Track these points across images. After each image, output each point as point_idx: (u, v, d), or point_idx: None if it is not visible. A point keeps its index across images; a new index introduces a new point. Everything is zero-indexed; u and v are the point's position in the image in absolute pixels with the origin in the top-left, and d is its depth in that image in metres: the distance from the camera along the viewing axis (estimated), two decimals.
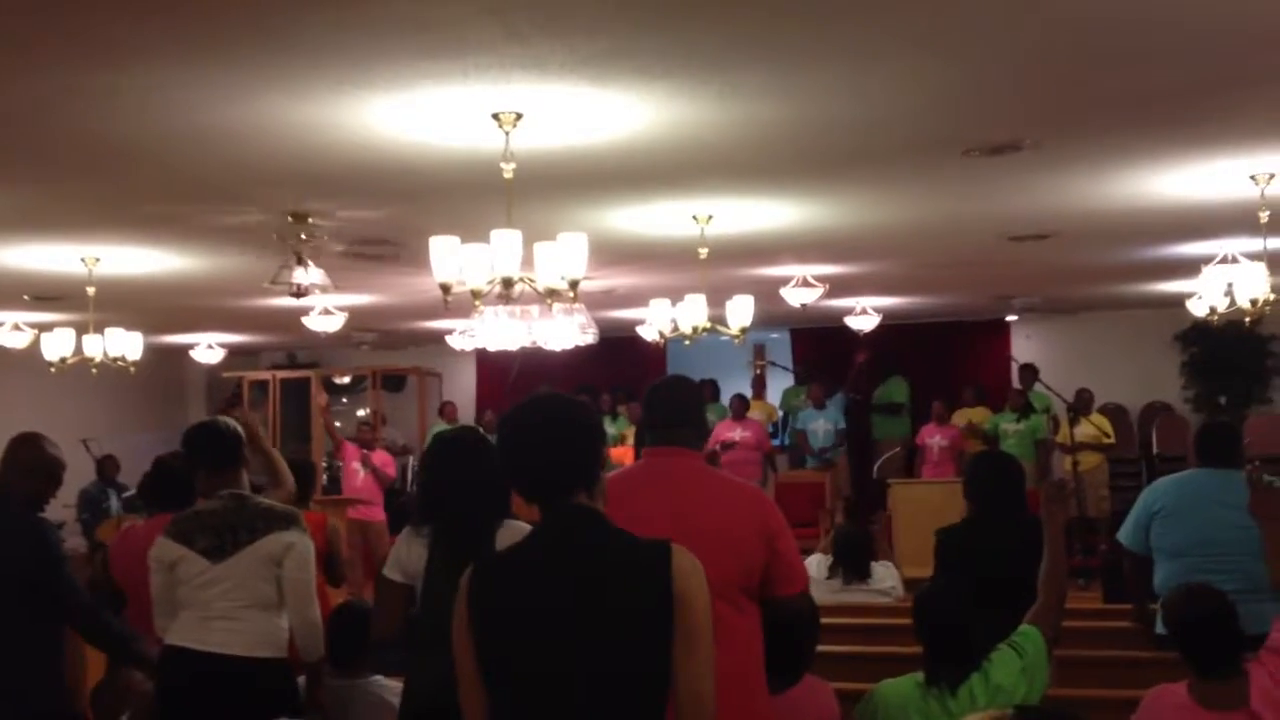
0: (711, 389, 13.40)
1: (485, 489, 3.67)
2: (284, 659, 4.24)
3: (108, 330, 9.24)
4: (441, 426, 12.94)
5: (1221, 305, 7.40)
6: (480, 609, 2.41)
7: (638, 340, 9.72)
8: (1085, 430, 11.39)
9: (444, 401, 14.26)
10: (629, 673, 2.34)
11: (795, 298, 9.31)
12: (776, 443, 13.65)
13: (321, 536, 5.66)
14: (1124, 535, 5.22)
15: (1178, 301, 10.23)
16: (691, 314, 7.90)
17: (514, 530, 3.57)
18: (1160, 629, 4.90)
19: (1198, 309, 8.26)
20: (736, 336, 8.24)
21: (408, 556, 3.80)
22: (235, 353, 15.20)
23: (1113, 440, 11.72)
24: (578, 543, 2.43)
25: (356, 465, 11.70)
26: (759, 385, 14.46)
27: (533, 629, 2.36)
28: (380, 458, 11.84)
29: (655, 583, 2.36)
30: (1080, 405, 11.47)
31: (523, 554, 2.50)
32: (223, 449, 4.40)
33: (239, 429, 4.49)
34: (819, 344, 14.75)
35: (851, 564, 6.39)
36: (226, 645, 4.11)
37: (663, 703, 2.35)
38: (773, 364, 14.96)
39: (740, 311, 8.15)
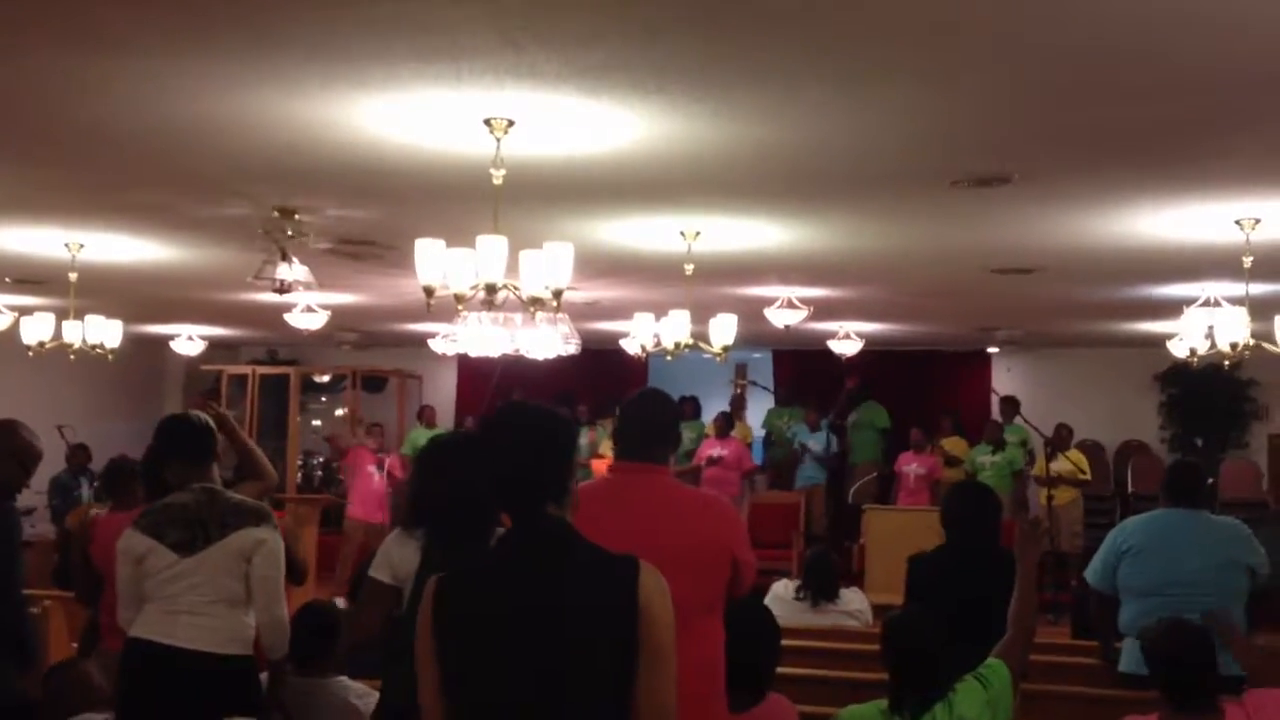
0: (693, 406, 13.44)
1: (480, 494, 3.66)
2: (250, 656, 4.21)
3: (88, 317, 9.19)
4: (421, 431, 12.93)
5: (1202, 347, 7.43)
6: (444, 617, 2.39)
7: (620, 353, 9.71)
8: (1062, 465, 11.42)
9: (423, 406, 14.24)
10: (591, 686, 2.33)
11: (780, 319, 9.32)
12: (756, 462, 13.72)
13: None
14: (1091, 574, 5.23)
15: (1159, 342, 10.29)
16: (674, 330, 7.90)
17: None
18: (1125, 667, 4.92)
19: (1178, 350, 8.30)
20: (718, 355, 8.24)
21: (399, 558, 3.77)
22: (215, 346, 15.13)
23: (1089, 476, 11.76)
24: (545, 554, 2.41)
25: (371, 469, 11.80)
26: (739, 404, 14.48)
27: (496, 639, 2.35)
28: (394, 462, 12.07)
29: (622, 598, 2.35)
30: (1058, 440, 11.50)
31: (489, 564, 2.49)
32: (195, 442, 4.38)
33: (211, 423, 4.46)
34: (801, 366, 14.77)
35: (820, 585, 6.39)
36: (193, 640, 4.08)
37: (623, 710, 2.34)
38: (754, 384, 14.98)
39: (723, 330, 8.16)
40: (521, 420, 2.53)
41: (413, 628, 2.44)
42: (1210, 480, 5.67)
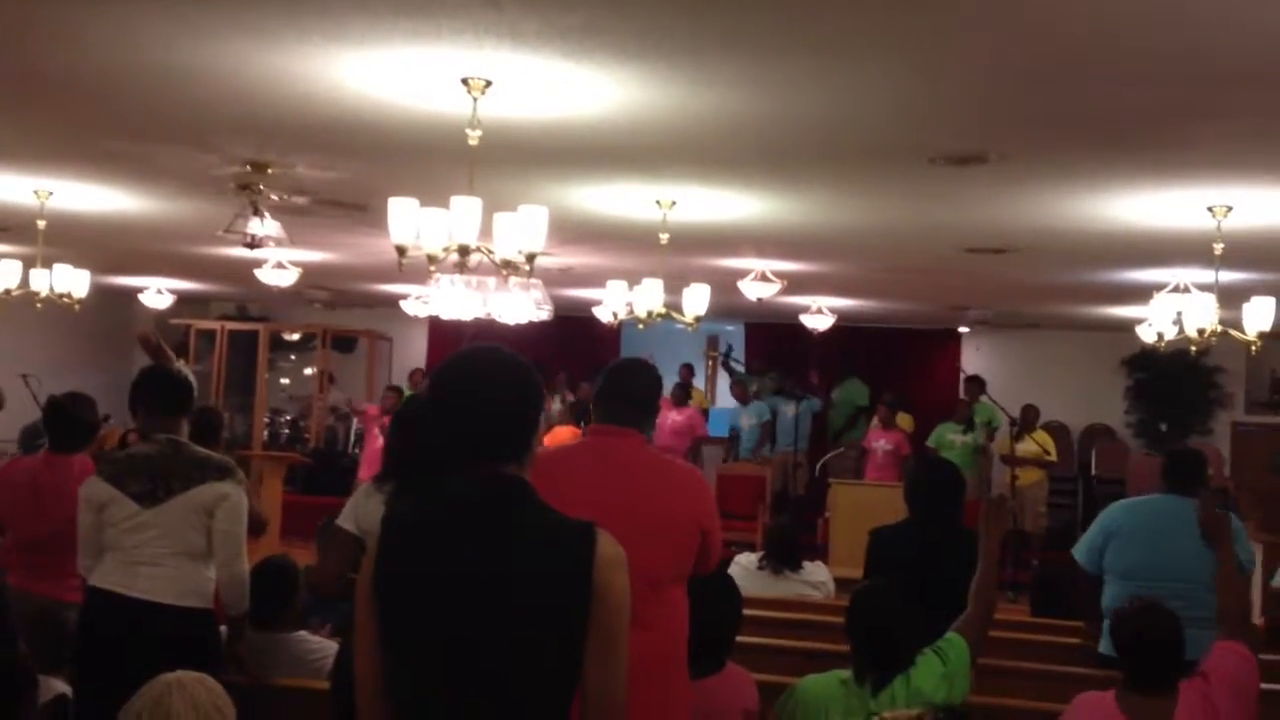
0: (688, 372, 13.67)
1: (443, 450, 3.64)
2: (209, 609, 4.20)
3: (55, 266, 9.09)
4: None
5: (1170, 333, 7.47)
6: (386, 570, 2.25)
7: (593, 321, 9.70)
8: (1028, 447, 11.50)
9: (414, 369, 14.17)
10: (533, 652, 2.19)
11: (753, 291, 9.33)
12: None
13: None
14: (1079, 553, 5.26)
15: (1127, 326, 10.35)
16: (648, 298, 7.88)
17: None
18: (1104, 649, 4.96)
19: (1146, 335, 8.35)
20: (691, 325, 8.24)
21: (365, 510, 3.77)
22: (185, 300, 15.02)
23: (1054, 458, 11.84)
24: (497, 512, 2.26)
25: (378, 431, 11.83)
26: (688, 373, 14.33)
27: (438, 596, 2.21)
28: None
29: (575, 565, 2.20)
30: (1025, 422, 11.57)
31: (436, 517, 2.31)
32: (167, 393, 4.35)
33: (190, 379, 4.44)
34: (773, 339, 14.80)
35: (782, 554, 6.41)
36: (152, 592, 4.07)
37: (568, 688, 2.22)
38: (725, 357, 14.99)
39: (696, 300, 8.15)
40: (484, 369, 2.33)
41: None
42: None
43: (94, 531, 4.16)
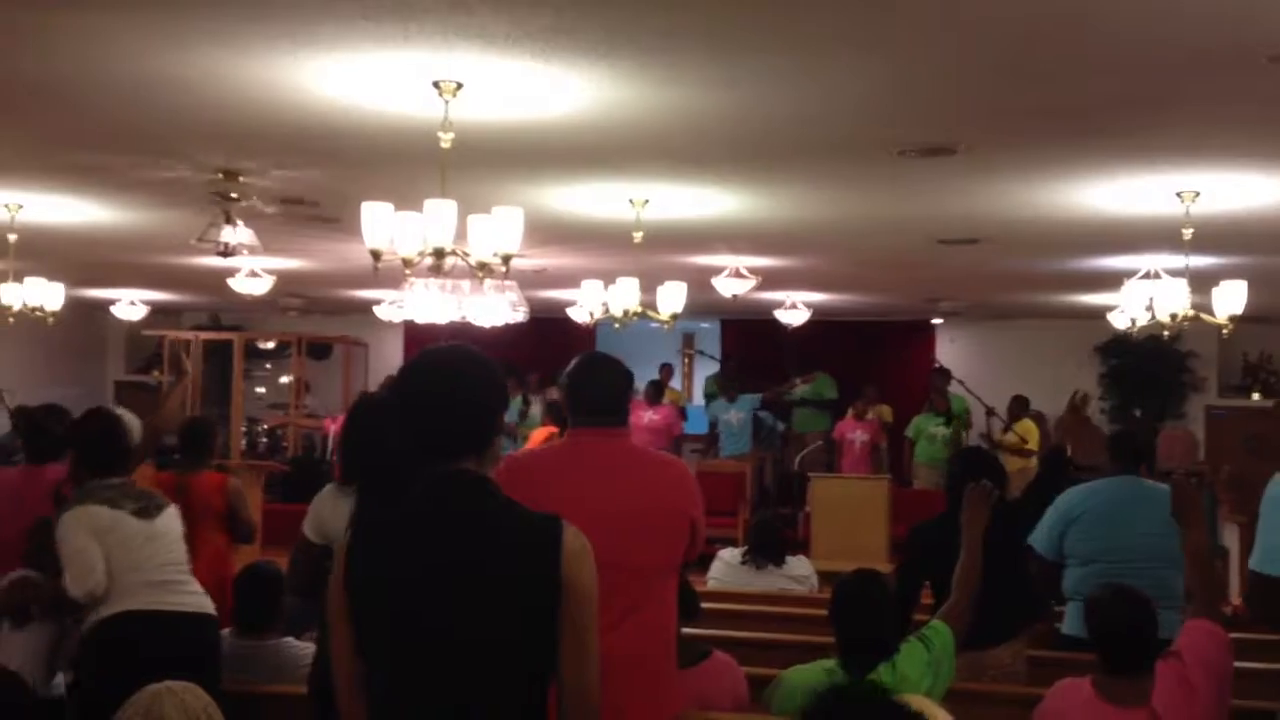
0: (669, 372, 13.69)
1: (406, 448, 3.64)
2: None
3: (27, 279, 9.05)
4: None
5: (1142, 319, 7.54)
6: (356, 573, 2.27)
7: (568, 321, 9.71)
8: (1008, 437, 11.60)
9: (390, 374, 14.09)
10: (506, 646, 2.22)
11: (727, 288, 9.36)
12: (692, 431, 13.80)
13: (222, 496, 5.66)
14: (1037, 541, 5.29)
15: (1100, 314, 10.43)
16: (623, 297, 7.90)
17: None
18: (1068, 630, 5.00)
19: (1119, 322, 8.42)
20: (666, 323, 8.26)
21: (331, 515, 3.71)
22: (158, 311, 14.95)
23: (1033, 448, 11.92)
24: (463, 509, 2.28)
25: None
26: (667, 372, 14.29)
27: (409, 595, 2.23)
28: None
29: (542, 558, 2.24)
30: (1013, 413, 11.71)
31: (403, 517, 2.33)
32: (119, 451, 4.33)
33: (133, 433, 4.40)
34: (748, 335, 14.83)
35: (764, 548, 6.43)
36: (190, 605, 4.15)
37: (541, 681, 2.25)
38: (701, 353, 15.01)
39: (672, 298, 8.18)
40: (444, 367, 2.36)
41: None
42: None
43: (92, 552, 4.03)
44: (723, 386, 13.46)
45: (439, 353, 2.40)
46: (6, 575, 4.70)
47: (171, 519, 4.20)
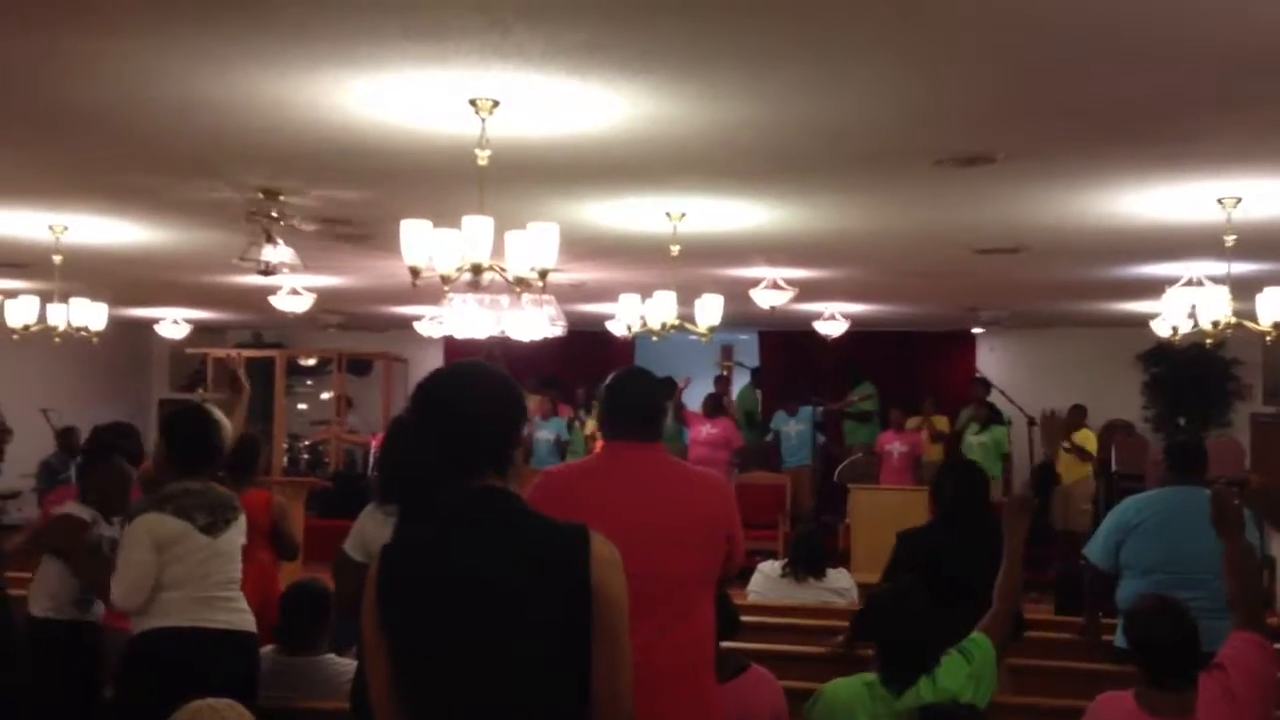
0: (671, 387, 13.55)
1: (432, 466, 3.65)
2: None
3: (72, 300, 9.17)
4: None
5: (1184, 326, 7.47)
6: (387, 592, 2.28)
7: (606, 335, 9.73)
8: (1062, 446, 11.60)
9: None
10: (539, 657, 2.24)
11: (765, 300, 9.34)
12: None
13: (267, 514, 5.71)
14: (1092, 552, 5.24)
15: (1142, 321, 10.33)
16: (660, 311, 7.91)
17: None
18: (1121, 642, 4.96)
19: (1161, 329, 8.35)
20: (704, 336, 8.26)
21: (372, 534, 3.73)
22: (201, 329, 15.11)
23: (1093, 455, 11.89)
24: (492, 521, 2.30)
25: None
26: (724, 385, 14.51)
27: (441, 608, 2.25)
28: None
29: (571, 567, 2.25)
30: (1071, 422, 11.70)
31: (431, 534, 2.35)
32: (209, 453, 4.40)
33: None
34: (786, 347, 14.81)
35: (806, 561, 6.42)
36: (236, 622, 4.19)
37: (576, 692, 2.25)
38: (740, 365, 15.00)
39: (709, 310, 8.18)
40: (462, 384, 2.39)
41: None
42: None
43: (149, 568, 4.08)
44: (783, 399, 13.49)
45: (455, 369, 2.45)
46: (54, 511, 4.82)
47: (236, 534, 4.26)
